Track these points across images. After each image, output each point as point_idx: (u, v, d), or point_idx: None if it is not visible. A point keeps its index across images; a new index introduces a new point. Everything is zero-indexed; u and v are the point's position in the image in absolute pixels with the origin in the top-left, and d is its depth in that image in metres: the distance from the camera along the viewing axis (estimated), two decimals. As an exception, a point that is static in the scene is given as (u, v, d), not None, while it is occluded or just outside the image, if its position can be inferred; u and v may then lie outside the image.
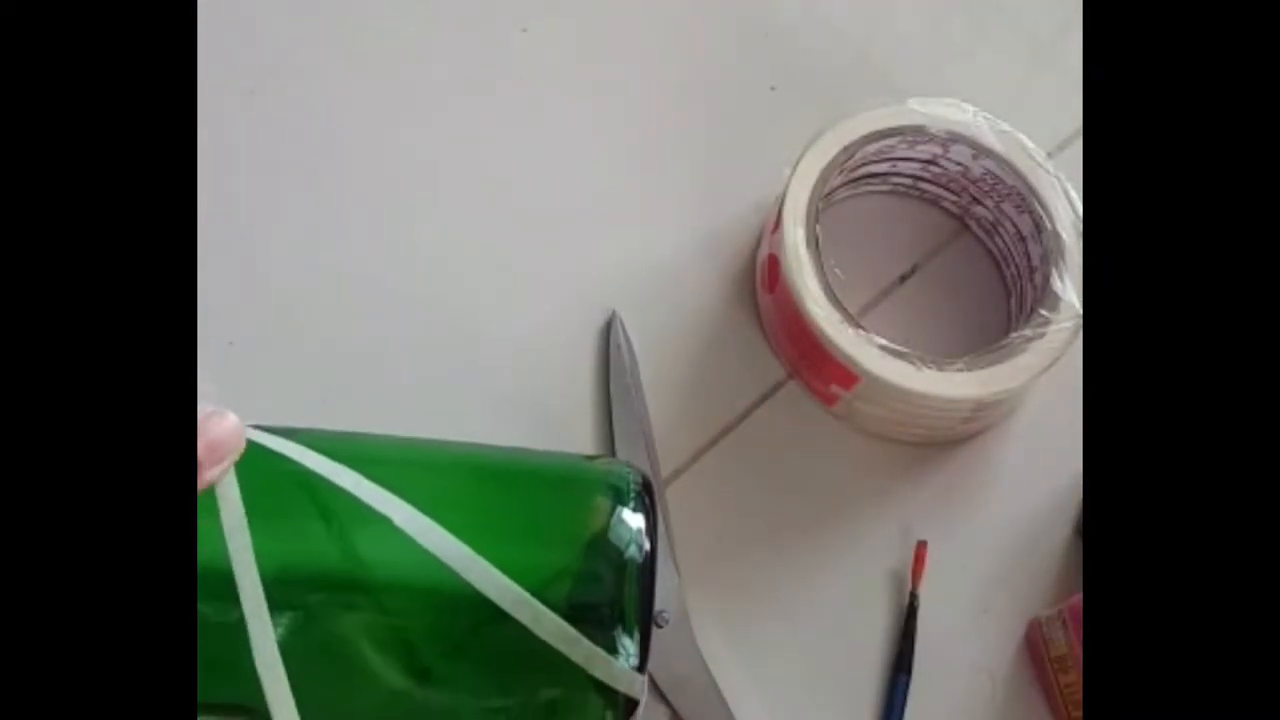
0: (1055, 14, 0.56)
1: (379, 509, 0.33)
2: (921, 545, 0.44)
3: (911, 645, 0.43)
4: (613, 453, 0.45)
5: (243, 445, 0.33)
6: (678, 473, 0.46)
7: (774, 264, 0.46)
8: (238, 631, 0.31)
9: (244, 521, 0.32)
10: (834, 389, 0.45)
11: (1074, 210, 0.46)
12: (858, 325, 0.43)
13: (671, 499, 0.45)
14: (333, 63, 0.52)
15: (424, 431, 0.45)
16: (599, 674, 0.32)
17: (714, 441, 0.47)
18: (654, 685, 0.41)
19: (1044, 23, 0.56)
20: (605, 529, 0.34)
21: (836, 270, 0.45)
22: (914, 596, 0.44)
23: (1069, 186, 0.46)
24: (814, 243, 0.45)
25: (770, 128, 0.52)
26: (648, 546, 0.34)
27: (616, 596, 0.33)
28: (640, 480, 0.36)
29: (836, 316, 0.44)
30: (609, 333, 0.47)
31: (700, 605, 0.43)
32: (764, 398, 0.48)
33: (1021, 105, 0.53)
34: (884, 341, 0.43)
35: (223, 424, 0.33)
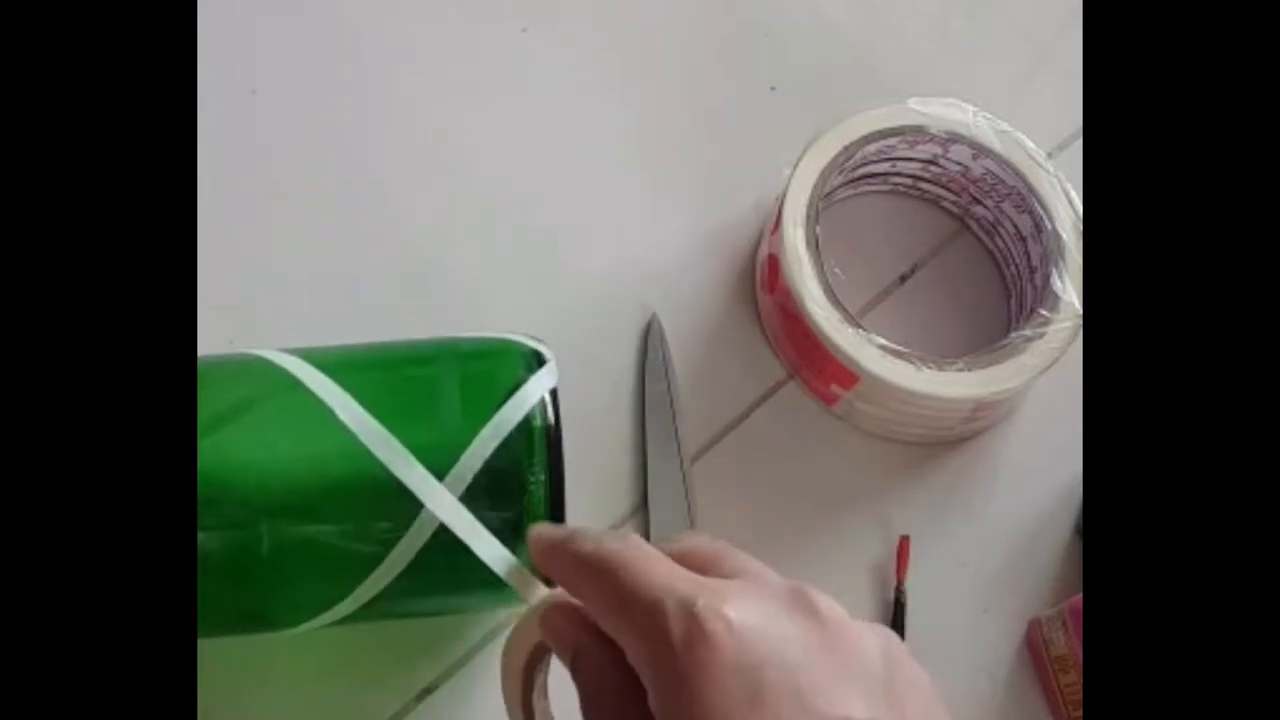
0: (1055, 14, 0.56)
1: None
2: (904, 540, 0.44)
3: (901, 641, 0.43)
4: (645, 455, 0.45)
5: None
6: (678, 473, 0.46)
7: (774, 264, 0.46)
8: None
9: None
10: (834, 389, 0.45)
11: (1074, 210, 0.46)
12: (858, 325, 0.43)
13: (671, 499, 0.45)
14: (333, 63, 0.52)
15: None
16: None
17: (714, 441, 0.47)
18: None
19: (1044, 23, 0.56)
20: (505, 400, 0.36)
21: (836, 270, 0.45)
22: (900, 591, 0.44)
23: (1069, 186, 0.46)
24: (814, 243, 0.45)
25: (770, 128, 0.52)
26: (551, 415, 0.36)
27: (525, 458, 0.35)
28: (534, 351, 0.38)
29: (836, 316, 0.44)
30: (647, 335, 0.47)
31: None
32: (764, 398, 0.48)
33: (1021, 105, 0.53)
34: (884, 341, 0.43)
35: None
